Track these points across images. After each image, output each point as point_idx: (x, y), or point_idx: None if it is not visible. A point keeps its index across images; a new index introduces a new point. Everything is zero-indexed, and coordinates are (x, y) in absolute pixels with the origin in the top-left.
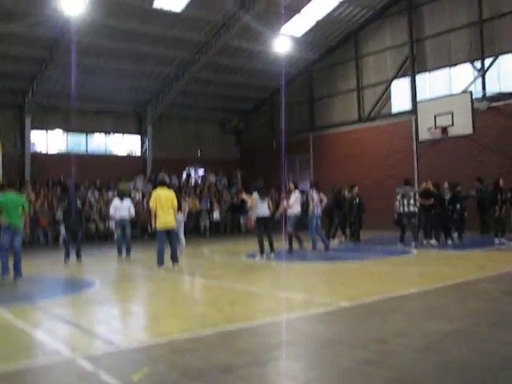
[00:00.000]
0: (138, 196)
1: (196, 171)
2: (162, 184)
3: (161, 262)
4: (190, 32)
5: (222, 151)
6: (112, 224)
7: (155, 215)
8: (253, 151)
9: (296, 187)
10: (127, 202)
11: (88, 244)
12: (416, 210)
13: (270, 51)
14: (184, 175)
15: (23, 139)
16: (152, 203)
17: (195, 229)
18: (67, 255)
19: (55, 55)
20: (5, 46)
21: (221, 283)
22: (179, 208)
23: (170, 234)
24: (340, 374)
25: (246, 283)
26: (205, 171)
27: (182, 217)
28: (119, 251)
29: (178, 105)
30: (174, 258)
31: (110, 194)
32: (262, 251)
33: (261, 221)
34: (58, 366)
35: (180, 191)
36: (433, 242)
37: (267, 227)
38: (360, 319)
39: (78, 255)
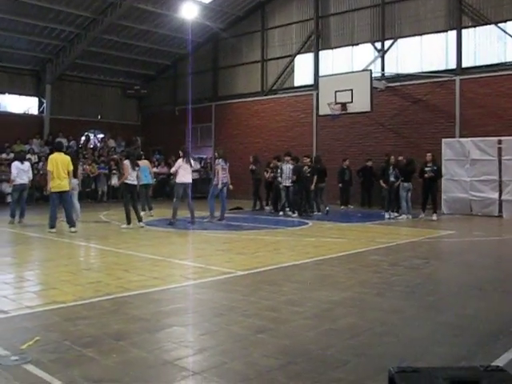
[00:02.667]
0: (34, 159)
1: (95, 135)
2: (59, 149)
3: (52, 225)
4: None
5: (123, 116)
6: (4, 186)
7: (51, 178)
8: (154, 117)
9: (185, 155)
10: (27, 165)
11: None
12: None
13: (176, 17)
14: (83, 138)
15: None
16: (49, 167)
17: (93, 194)
18: None
19: None
20: None
21: (116, 250)
22: (74, 173)
23: (63, 198)
24: (234, 341)
25: (143, 250)
26: (104, 135)
27: (76, 182)
28: (12, 215)
29: (80, 66)
30: (70, 222)
31: (4, 155)
32: (128, 221)
33: (129, 188)
34: None
35: (77, 155)
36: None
37: (133, 196)
38: (254, 288)
39: None
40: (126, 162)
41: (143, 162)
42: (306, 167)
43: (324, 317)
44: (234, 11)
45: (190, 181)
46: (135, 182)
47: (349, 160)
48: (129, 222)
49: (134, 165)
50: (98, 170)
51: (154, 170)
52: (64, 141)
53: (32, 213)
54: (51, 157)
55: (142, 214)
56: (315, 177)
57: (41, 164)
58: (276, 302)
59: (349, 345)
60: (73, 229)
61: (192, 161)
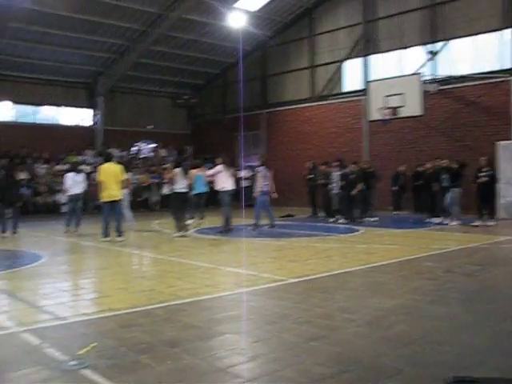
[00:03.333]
0: (88, 170)
1: (147, 145)
2: (109, 159)
3: (105, 234)
4: (143, 3)
5: (174, 125)
6: (61, 197)
7: (102, 189)
8: (204, 126)
9: (224, 162)
10: (82, 176)
11: (35, 217)
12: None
13: (224, 26)
14: (134, 149)
15: None
16: (99, 177)
17: (145, 203)
18: (2, 229)
19: (1, 22)
20: None
21: (169, 258)
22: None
23: (114, 207)
24: (286, 348)
25: (195, 258)
26: (156, 145)
27: (126, 191)
28: (67, 225)
29: (131, 77)
30: (119, 231)
31: (59, 166)
32: (180, 228)
33: (178, 197)
34: (3, 339)
35: (128, 165)
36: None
37: (182, 204)
38: (307, 295)
39: (15, 229)
40: (177, 170)
41: (199, 171)
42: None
43: (376, 324)
44: (281, 18)
45: (233, 187)
46: (185, 190)
47: (402, 165)
48: (179, 230)
49: (185, 173)
50: (150, 179)
51: (207, 178)
52: (116, 151)
53: (87, 222)
54: (101, 167)
55: (192, 221)
56: (360, 183)
57: (94, 174)
58: (328, 309)
59: (402, 353)
60: (119, 238)
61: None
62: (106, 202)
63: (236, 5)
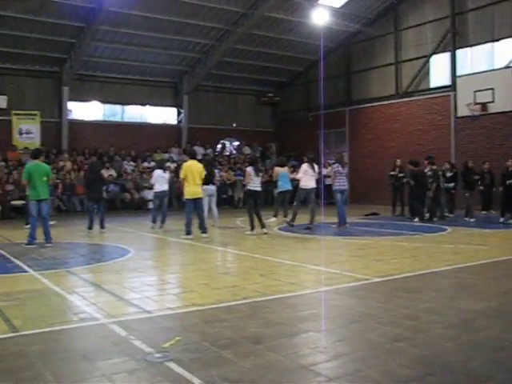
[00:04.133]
0: (173, 167)
1: (231, 142)
2: (193, 156)
3: (188, 231)
4: (228, 3)
5: (258, 123)
6: (147, 194)
7: (185, 185)
8: (288, 124)
9: (309, 161)
10: (167, 174)
11: (122, 213)
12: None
13: (307, 23)
14: (219, 146)
15: (61, 109)
16: (183, 174)
17: (230, 200)
18: (90, 224)
19: (92, 25)
20: (43, 15)
21: (253, 254)
22: (212, 179)
23: (197, 204)
24: (369, 348)
25: (279, 255)
26: (240, 142)
27: (214, 188)
28: (154, 221)
29: (215, 76)
30: (203, 228)
31: (146, 164)
32: (252, 227)
33: (252, 194)
34: (92, 330)
35: (214, 162)
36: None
37: (256, 202)
38: (391, 295)
39: (102, 224)
40: (249, 169)
41: (283, 169)
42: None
43: (464, 327)
44: (365, 14)
45: (314, 186)
46: (258, 188)
47: (488, 163)
48: (252, 228)
49: (258, 171)
50: (234, 176)
51: (291, 176)
52: (201, 149)
53: (172, 219)
54: (185, 164)
55: (275, 219)
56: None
57: (179, 172)
58: (413, 310)
59: (492, 358)
60: (204, 235)
61: (316, 166)
62: (189, 199)
63: (320, 1)
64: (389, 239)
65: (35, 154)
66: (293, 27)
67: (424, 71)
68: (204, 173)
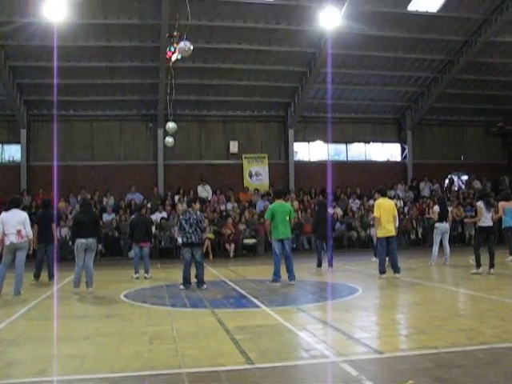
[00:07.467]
0: (399, 204)
1: (459, 177)
2: (384, 193)
3: (382, 270)
4: (448, 32)
5: (487, 155)
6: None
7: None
8: None
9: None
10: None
11: (349, 251)
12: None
13: None
14: (446, 181)
15: (287, 150)
16: (376, 213)
17: (460, 237)
18: (319, 263)
19: (314, 69)
20: (270, 65)
21: (488, 296)
22: (446, 216)
23: (390, 242)
24: None
25: None
26: (468, 176)
27: (447, 226)
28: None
29: (437, 109)
30: (395, 267)
31: (371, 201)
32: (478, 265)
33: (482, 231)
34: (323, 367)
35: (446, 199)
36: None
37: (489, 238)
38: None
39: (330, 263)
40: (480, 204)
41: (508, 203)
42: None
43: None
44: None
45: (490, 224)
46: (490, 224)
47: None
48: (478, 266)
49: (489, 205)
50: (465, 212)
51: None
52: (427, 185)
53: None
54: (377, 202)
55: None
56: None
57: (406, 209)
58: None
59: None
60: (397, 275)
61: None
62: (382, 238)
63: None
64: None
65: (279, 193)
66: None
67: None
68: (395, 211)
